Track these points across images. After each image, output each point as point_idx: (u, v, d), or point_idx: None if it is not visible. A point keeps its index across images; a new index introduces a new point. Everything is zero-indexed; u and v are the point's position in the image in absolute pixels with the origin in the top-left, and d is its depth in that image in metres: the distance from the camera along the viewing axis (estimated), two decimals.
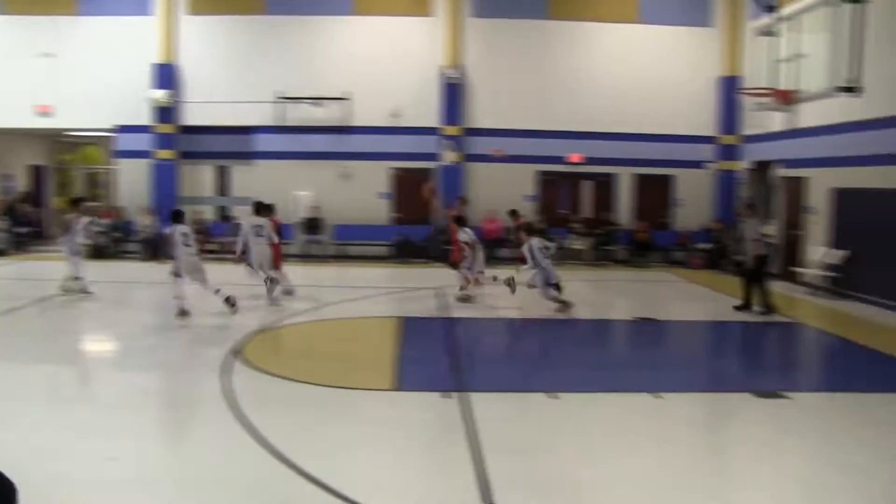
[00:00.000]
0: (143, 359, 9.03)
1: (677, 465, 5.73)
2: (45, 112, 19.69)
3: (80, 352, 9.89)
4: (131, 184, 19.61)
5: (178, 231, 11.13)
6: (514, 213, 16.73)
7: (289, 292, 12.96)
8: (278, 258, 13.17)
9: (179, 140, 19.59)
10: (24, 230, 19.48)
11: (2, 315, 11.23)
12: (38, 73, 19.51)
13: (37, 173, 22.45)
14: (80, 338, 10.70)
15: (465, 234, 12.66)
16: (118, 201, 19.88)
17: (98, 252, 18.12)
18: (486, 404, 6.97)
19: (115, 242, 18.81)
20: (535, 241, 12.01)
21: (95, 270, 13.62)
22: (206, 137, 19.57)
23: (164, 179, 19.40)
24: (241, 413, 6.58)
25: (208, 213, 19.59)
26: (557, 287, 11.96)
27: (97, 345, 10.32)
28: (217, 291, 11.18)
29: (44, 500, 4.68)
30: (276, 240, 12.61)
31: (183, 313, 10.90)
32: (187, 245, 11.09)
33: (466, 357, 9.44)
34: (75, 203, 14.08)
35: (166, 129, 19.36)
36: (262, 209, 12.68)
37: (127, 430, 6.31)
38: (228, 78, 19.38)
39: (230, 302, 11.12)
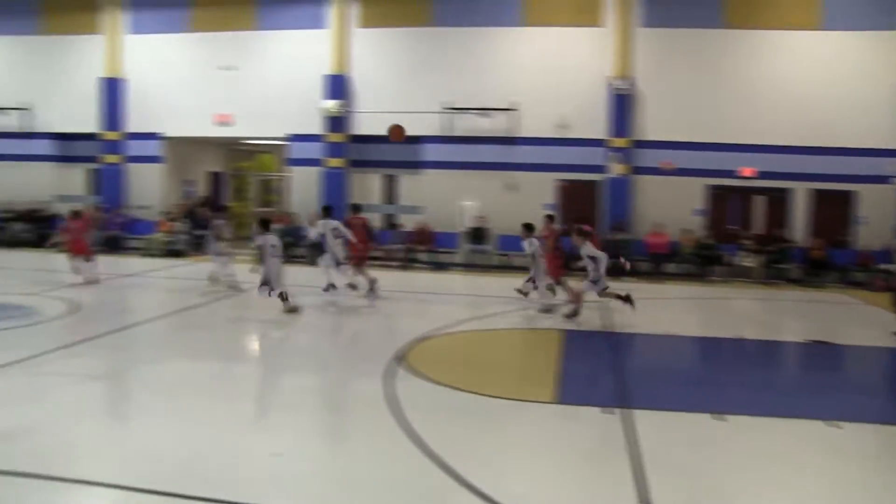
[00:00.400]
0: (307, 359, 10.19)
1: None
2: (224, 122, 22.32)
3: (247, 350, 11.08)
4: (303, 190, 21.77)
5: (269, 242, 12.53)
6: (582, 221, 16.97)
7: (353, 286, 14.67)
8: (361, 257, 14.98)
9: (349, 149, 21.62)
10: (202, 233, 21.92)
11: (176, 313, 13.05)
12: (219, 86, 22.29)
13: (215, 179, 25.28)
14: (246, 337, 11.84)
15: (526, 244, 13.57)
16: (290, 207, 22.12)
17: None
18: (648, 422, 7.15)
19: (285, 247, 20.89)
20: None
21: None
22: (375, 146, 21.38)
23: (334, 187, 21.46)
24: (403, 418, 7.06)
25: (376, 221, 21.45)
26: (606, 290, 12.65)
27: (263, 344, 11.52)
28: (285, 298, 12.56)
29: (210, 489, 5.37)
30: (351, 238, 14.31)
31: (293, 310, 12.40)
32: (275, 256, 12.53)
33: (629, 373, 9.73)
34: (218, 210, 16.07)
35: (337, 138, 21.46)
36: (329, 211, 14.66)
37: (291, 427, 6.98)
38: (397, 88, 21.17)
39: (294, 310, 12.48)
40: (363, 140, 21.50)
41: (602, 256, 12.35)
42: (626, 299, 12.48)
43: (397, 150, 21.19)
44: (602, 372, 9.68)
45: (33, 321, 11.73)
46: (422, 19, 21.17)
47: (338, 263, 14.24)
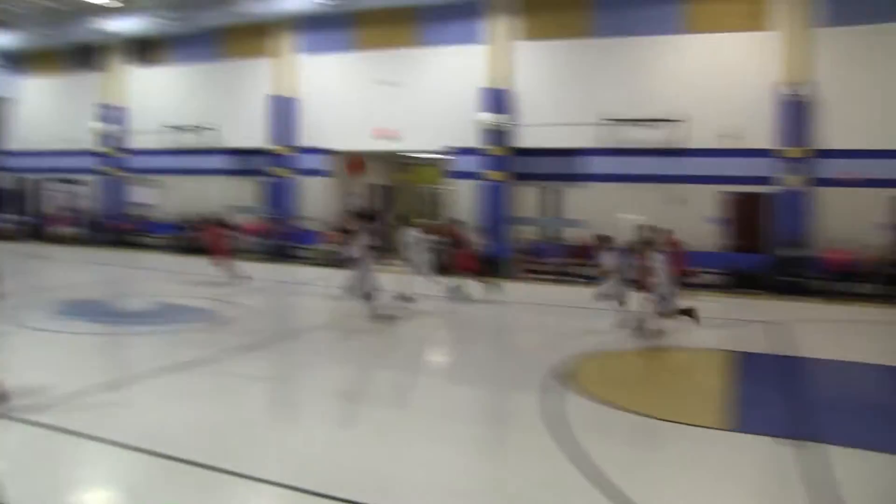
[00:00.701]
0: (466, 370, 10.34)
1: None
2: (387, 136, 22.77)
3: (403, 358, 11.22)
4: (465, 202, 21.82)
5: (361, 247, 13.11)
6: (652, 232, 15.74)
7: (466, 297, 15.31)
8: (470, 263, 15.85)
9: (511, 161, 21.52)
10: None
11: (337, 321, 13.44)
12: (382, 101, 22.89)
13: (379, 192, 25.80)
14: (404, 346, 12.04)
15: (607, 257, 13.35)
16: (452, 219, 22.11)
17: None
18: (829, 457, 6.48)
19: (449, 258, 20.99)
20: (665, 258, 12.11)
21: (427, 285, 15.30)
22: (537, 159, 21.23)
23: (495, 199, 21.45)
24: (561, 435, 6.91)
25: (533, 234, 21.28)
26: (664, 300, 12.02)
27: (427, 355, 11.77)
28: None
29: (361, 493, 5.47)
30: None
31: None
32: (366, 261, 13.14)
33: (806, 401, 8.98)
34: (359, 217, 16.23)
35: (498, 151, 21.44)
36: (405, 220, 15.28)
37: (446, 437, 7.02)
38: (558, 101, 20.89)
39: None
40: (524, 153, 21.37)
41: (660, 268, 11.89)
42: (688, 313, 12.23)
43: (558, 163, 21.00)
44: (776, 399, 8.89)
45: (210, 323, 12.51)
46: (582, 30, 20.82)
47: (418, 271, 14.86)
